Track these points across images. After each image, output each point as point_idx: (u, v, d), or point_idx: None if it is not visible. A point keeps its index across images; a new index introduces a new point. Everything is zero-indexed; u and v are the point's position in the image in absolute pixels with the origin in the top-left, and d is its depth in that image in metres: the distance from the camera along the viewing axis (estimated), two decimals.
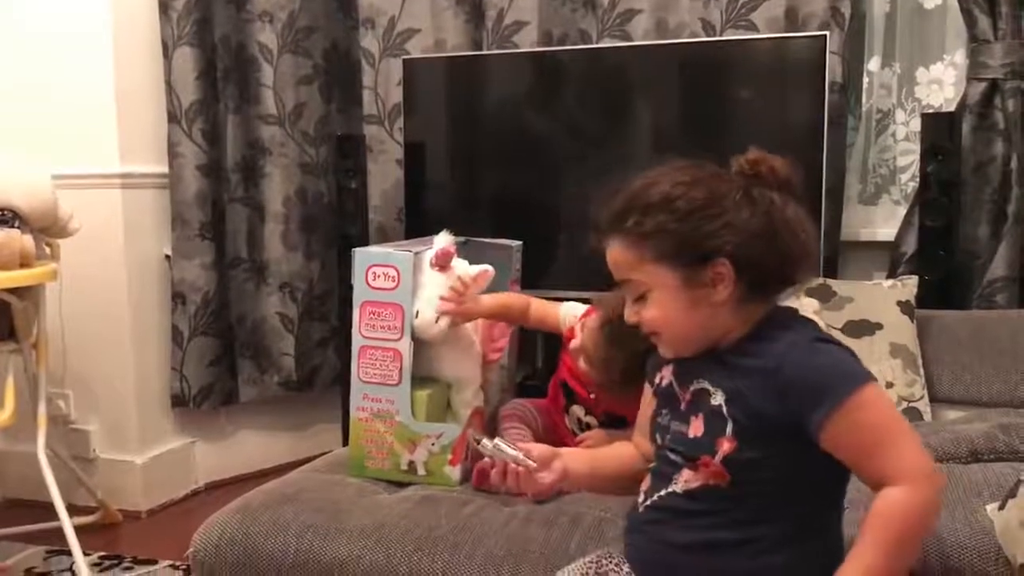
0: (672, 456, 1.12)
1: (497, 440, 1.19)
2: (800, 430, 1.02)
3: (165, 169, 2.74)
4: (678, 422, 1.12)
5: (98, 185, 2.62)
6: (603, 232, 1.11)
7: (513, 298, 1.81)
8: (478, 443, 1.19)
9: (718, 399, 1.07)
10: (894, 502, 0.98)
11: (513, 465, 1.17)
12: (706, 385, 1.09)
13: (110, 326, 2.67)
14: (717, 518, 1.07)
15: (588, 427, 1.75)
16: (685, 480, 1.09)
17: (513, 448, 1.18)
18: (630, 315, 1.12)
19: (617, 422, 1.66)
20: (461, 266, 1.71)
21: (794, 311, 1.14)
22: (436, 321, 1.65)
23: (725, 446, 1.05)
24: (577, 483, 1.23)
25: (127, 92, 2.65)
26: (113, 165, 2.62)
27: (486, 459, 1.59)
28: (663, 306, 1.08)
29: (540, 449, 1.19)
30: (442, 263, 1.68)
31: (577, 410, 1.76)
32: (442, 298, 1.64)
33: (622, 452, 1.28)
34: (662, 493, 1.12)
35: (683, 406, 1.12)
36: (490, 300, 1.74)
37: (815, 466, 1.04)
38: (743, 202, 1.06)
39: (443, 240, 1.71)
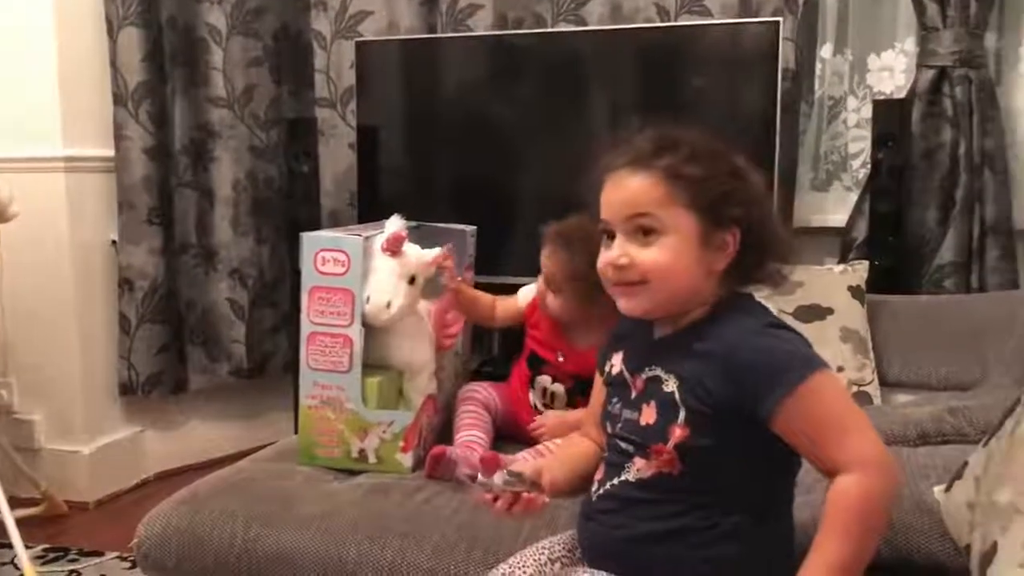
0: (623, 445, 1.11)
1: (502, 473, 1.11)
2: (753, 416, 1.01)
3: (111, 152, 2.67)
4: (629, 410, 1.11)
5: (40, 168, 2.55)
6: (628, 163, 1.06)
7: (484, 295, 1.82)
8: (482, 484, 1.11)
9: (671, 386, 1.06)
10: (849, 491, 0.97)
11: (526, 494, 1.11)
12: (659, 372, 1.08)
13: (54, 313, 2.61)
14: (670, 507, 1.06)
15: (554, 396, 1.76)
16: (637, 469, 1.08)
17: (520, 477, 1.11)
18: (618, 256, 1.06)
19: (581, 388, 1.67)
20: (413, 250, 1.69)
21: (749, 296, 1.13)
22: (387, 307, 1.63)
23: (677, 433, 1.04)
24: (558, 492, 1.17)
25: (70, 73, 2.57)
26: (56, 148, 2.56)
27: (442, 450, 1.60)
28: (673, 252, 1.04)
29: (531, 469, 1.14)
30: (393, 248, 1.66)
31: (544, 380, 1.77)
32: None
33: (586, 450, 1.25)
34: (615, 482, 1.11)
35: (634, 394, 1.11)
36: (468, 289, 1.77)
37: (768, 453, 1.04)
38: (758, 185, 1.09)
39: (394, 224, 1.69)
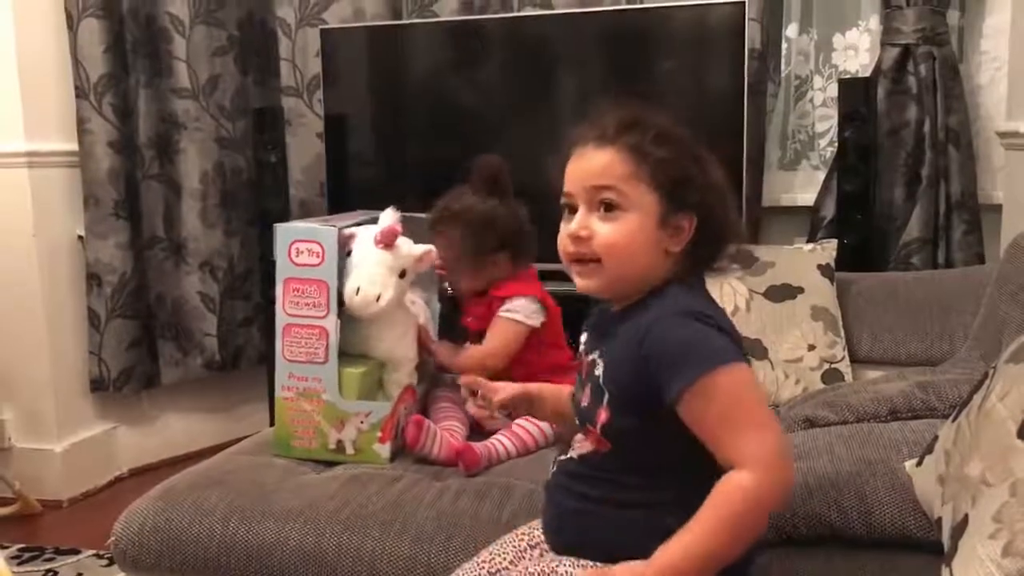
0: (577, 422, 1.14)
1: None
2: (662, 402, 1.01)
3: (75, 146, 2.64)
4: (579, 390, 1.14)
5: (2, 164, 2.51)
6: (595, 138, 1.07)
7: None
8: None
9: (599, 369, 1.08)
10: (733, 486, 0.97)
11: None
12: (595, 355, 1.10)
13: (22, 311, 2.58)
14: (600, 483, 1.08)
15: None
16: (580, 445, 1.11)
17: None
18: (579, 228, 1.06)
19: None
20: (405, 245, 1.67)
21: (691, 281, 1.10)
22: (377, 300, 1.61)
23: (602, 416, 1.06)
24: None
25: (31, 66, 2.53)
26: (18, 143, 2.52)
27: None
28: (632, 229, 1.04)
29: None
30: (387, 241, 1.64)
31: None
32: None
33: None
34: (562, 458, 1.14)
35: (584, 374, 1.14)
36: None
37: (690, 435, 1.02)
38: (718, 175, 1.09)
39: (389, 217, 1.67)
